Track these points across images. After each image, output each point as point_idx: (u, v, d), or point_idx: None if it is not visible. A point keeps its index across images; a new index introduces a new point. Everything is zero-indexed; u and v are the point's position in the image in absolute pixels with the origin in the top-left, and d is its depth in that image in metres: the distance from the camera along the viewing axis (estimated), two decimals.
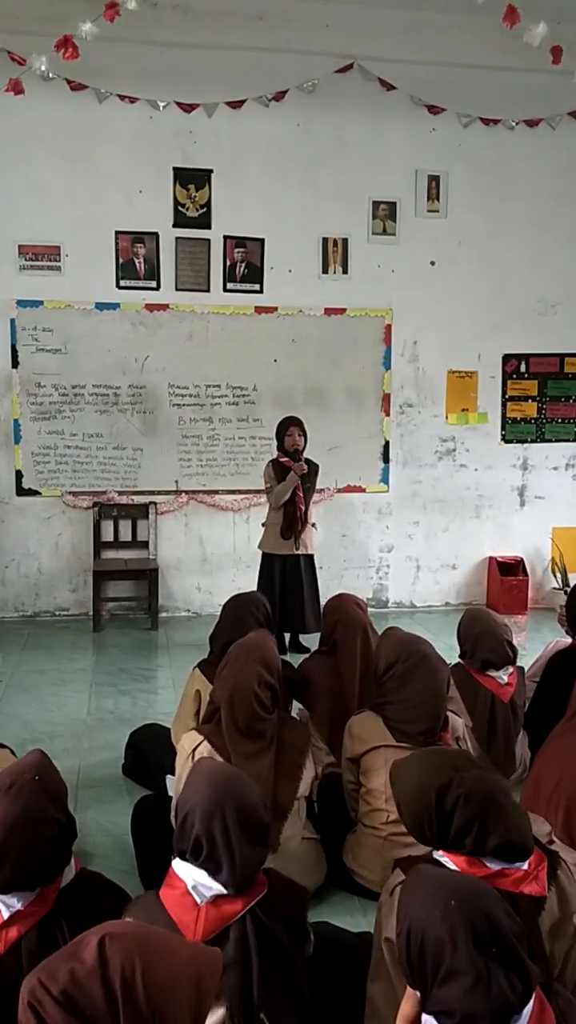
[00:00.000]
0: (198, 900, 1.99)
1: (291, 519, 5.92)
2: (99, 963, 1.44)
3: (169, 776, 3.43)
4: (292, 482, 5.87)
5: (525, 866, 2.13)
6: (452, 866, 2.11)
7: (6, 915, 2.02)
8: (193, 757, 2.97)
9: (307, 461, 5.97)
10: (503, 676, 3.95)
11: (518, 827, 2.11)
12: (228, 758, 2.87)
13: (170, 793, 3.35)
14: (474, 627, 4.03)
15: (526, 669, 4.27)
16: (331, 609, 4.10)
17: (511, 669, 4.02)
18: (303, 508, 5.93)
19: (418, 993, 1.70)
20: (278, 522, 5.97)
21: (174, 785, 3.12)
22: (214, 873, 2.00)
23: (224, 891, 2.00)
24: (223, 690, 3.00)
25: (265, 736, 2.95)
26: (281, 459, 6.00)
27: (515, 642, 4.09)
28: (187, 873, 2.03)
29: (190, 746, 3.01)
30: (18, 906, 2.03)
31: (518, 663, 4.18)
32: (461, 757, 2.28)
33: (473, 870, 2.09)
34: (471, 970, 1.59)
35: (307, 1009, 2.03)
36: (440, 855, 2.16)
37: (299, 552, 5.98)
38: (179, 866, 2.06)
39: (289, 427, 6.00)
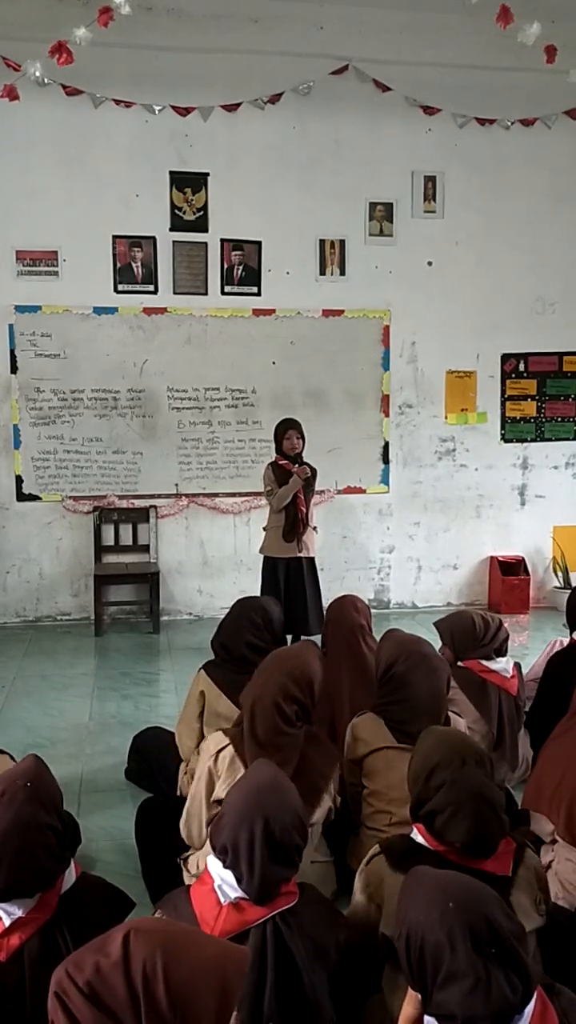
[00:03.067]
0: (222, 899, 2.00)
1: (293, 521, 5.91)
2: (122, 957, 1.45)
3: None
4: (295, 486, 5.86)
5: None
6: (422, 841, 2.24)
7: (7, 923, 2.02)
8: (216, 759, 2.95)
9: (307, 465, 5.97)
10: (508, 668, 3.96)
11: (486, 833, 2.18)
12: (247, 765, 2.85)
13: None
14: (482, 625, 4.03)
15: (527, 669, 4.28)
16: (328, 611, 4.14)
17: (512, 661, 4.03)
18: (304, 510, 5.93)
19: (419, 995, 1.70)
20: (279, 525, 5.96)
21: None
22: (238, 879, 2.00)
23: (246, 896, 2.01)
24: (247, 698, 2.98)
25: (284, 751, 2.87)
26: (280, 461, 5.99)
27: (512, 641, 4.13)
28: (216, 871, 2.04)
29: (215, 747, 2.98)
30: (19, 913, 2.03)
31: (520, 660, 4.19)
32: (477, 754, 2.32)
33: (439, 847, 2.20)
34: (471, 973, 1.59)
35: None
36: (415, 833, 2.27)
37: (301, 555, 5.98)
38: (211, 862, 2.07)
39: (288, 430, 5.99)
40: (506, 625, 4.11)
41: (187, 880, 2.97)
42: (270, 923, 1.99)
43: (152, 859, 3.25)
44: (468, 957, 1.61)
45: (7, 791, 2.08)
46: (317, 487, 6.14)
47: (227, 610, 4.08)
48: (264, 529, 6.13)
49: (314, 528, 6.11)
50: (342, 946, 2.13)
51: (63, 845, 2.12)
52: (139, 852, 3.39)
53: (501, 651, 4.01)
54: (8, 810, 2.04)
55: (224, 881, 2.01)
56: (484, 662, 3.96)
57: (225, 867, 2.02)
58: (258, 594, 5.42)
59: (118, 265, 6.76)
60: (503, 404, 7.45)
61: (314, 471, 6.00)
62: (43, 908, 2.05)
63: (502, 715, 3.89)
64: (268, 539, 6.06)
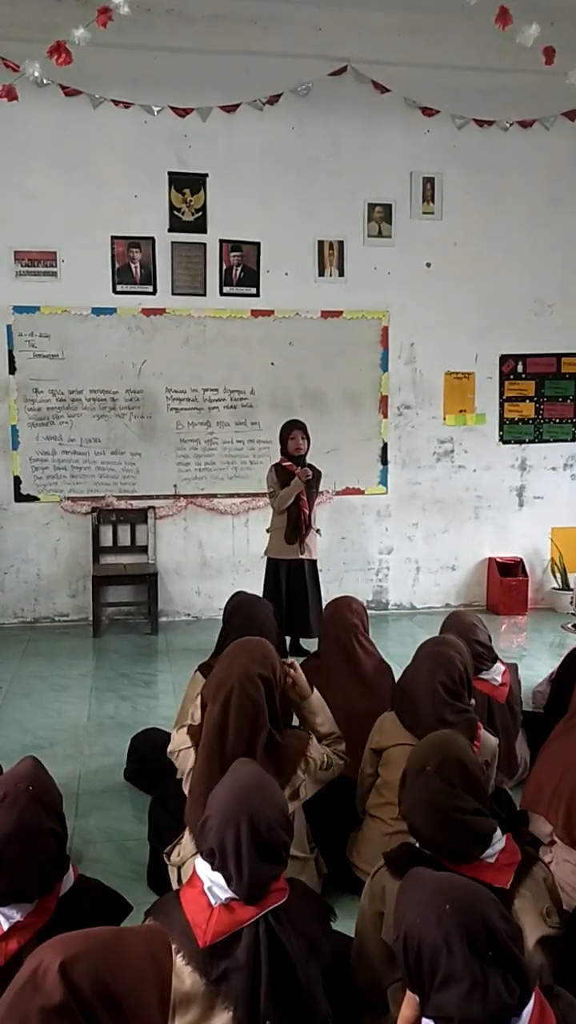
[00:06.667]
0: (212, 901, 1.99)
1: (295, 523, 5.91)
2: (70, 993, 1.39)
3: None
4: (296, 488, 5.86)
5: (492, 859, 2.21)
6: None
7: (5, 927, 2.00)
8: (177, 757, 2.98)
9: (310, 467, 5.97)
10: (496, 677, 3.94)
11: (445, 839, 2.20)
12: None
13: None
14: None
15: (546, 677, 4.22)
16: (324, 612, 4.18)
17: (503, 668, 4.00)
18: (307, 512, 5.93)
19: (417, 997, 1.70)
20: (282, 527, 5.97)
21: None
22: (227, 880, 2.00)
23: (236, 897, 2.00)
24: (211, 688, 2.98)
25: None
26: (284, 463, 5.99)
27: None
28: (205, 873, 2.04)
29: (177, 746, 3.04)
30: (17, 917, 2.01)
31: (516, 662, 4.17)
32: (442, 761, 2.29)
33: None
34: (467, 976, 1.59)
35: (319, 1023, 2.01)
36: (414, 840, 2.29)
37: (303, 557, 5.97)
38: (199, 865, 2.06)
39: (292, 431, 5.99)
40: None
41: (171, 872, 2.99)
42: (262, 922, 1.99)
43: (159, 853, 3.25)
44: (465, 960, 1.61)
45: (8, 794, 2.06)
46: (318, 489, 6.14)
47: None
48: (267, 531, 6.13)
49: (317, 530, 6.10)
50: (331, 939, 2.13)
51: (63, 849, 2.11)
52: (149, 844, 3.38)
53: (480, 666, 3.93)
54: (10, 814, 2.02)
55: (214, 883, 2.01)
56: None
57: (214, 869, 2.02)
58: (259, 595, 5.41)
59: (116, 266, 6.75)
60: (501, 405, 7.45)
61: (318, 473, 6.00)
62: (41, 912, 2.04)
63: (493, 721, 3.86)
64: (271, 541, 6.07)
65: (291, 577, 5.98)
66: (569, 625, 6.40)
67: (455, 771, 2.28)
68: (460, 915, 1.64)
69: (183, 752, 2.96)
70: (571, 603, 6.75)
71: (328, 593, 5.56)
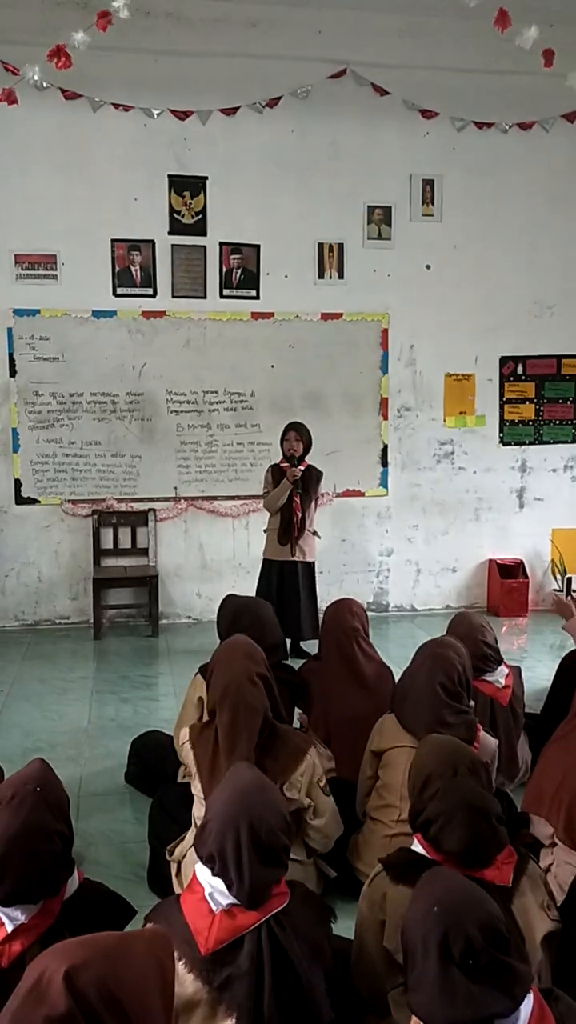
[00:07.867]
0: (213, 907, 1.98)
1: (287, 525, 5.90)
2: (75, 1002, 1.38)
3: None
4: (285, 488, 5.85)
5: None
6: (422, 851, 2.24)
7: (10, 928, 2.00)
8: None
9: (309, 468, 5.96)
10: (500, 679, 3.94)
11: (479, 843, 2.17)
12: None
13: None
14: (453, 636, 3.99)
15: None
16: (324, 615, 4.17)
17: (506, 671, 4.00)
18: (299, 514, 5.91)
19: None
20: (276, 527, 5.97)
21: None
22: (228, 886, 2.00)
23: (238, 902, 2.00)
24: (217, 687, 3.01)
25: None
26: (282, 464, 6.00)
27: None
28: (205, 879, 2.02)
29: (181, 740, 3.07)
30: (22, 919, 2.00)
31: (519, 663, 4.16)
32: (471, 763, 2.30)
33: (437, 856, 2.20)
34: (436, 980, 1.59)
35: None
36: (415, 844, 2.27)
37: (296, 559, 5.96)
38: (200, 870, 2.05)
39: (287, 432, 6.01)
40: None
41: (172, 867, 3.00)
42: (264, 927, 1.97)
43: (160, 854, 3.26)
44: (438, 964, 1.61)
45: (16, 795, 2.05)
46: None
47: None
48: (264, 531, 6.13)
49: (314, 532, 6.08)
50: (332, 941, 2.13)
51: (69, 851, 2.11)
52: (150, 846, 3.39)
53: (486, 668, 3.94)
54: (16, 815, 2.01)
55: (215, 889, 2.00)
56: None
57: (214, 875, 2.01)
58: (251, 596, 5.40)
59: (117, 268, 6.76)
60: (501, 407, 7.45)
61: (318, 474, 5.99)
62: (46, 914, 2.03)
63: (495, 723, 3.86)
64: (267, 541, 6.07)
65: (284, 578, 5.95)
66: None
67: (484, 774, 2.29)
68: (442, 920, 1.64)
69: (186, 745, 3.02)
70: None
71: (328, 595, 5.54)
